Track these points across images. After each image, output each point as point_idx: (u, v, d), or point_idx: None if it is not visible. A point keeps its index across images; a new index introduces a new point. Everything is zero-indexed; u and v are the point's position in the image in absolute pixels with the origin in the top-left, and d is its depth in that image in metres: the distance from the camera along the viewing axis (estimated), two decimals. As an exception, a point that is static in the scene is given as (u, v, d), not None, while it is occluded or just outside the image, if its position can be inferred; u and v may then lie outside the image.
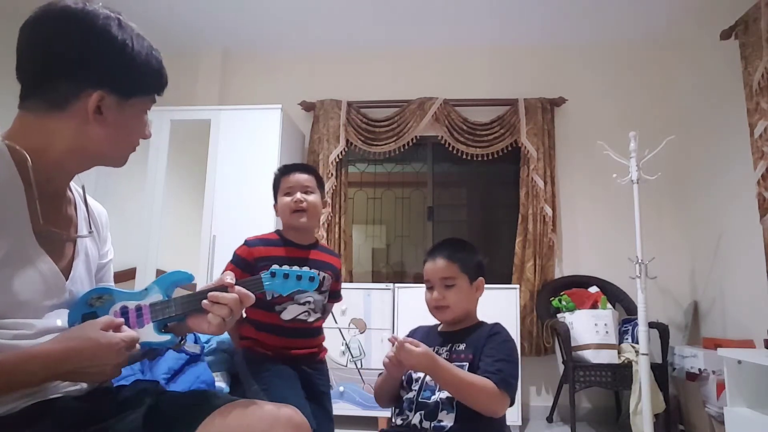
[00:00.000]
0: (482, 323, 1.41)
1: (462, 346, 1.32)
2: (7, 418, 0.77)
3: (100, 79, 0.84)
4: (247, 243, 1.62)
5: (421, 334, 1.46)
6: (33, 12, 0.83)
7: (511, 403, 1.23)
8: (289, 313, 1.58)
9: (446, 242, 1.45)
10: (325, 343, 1.61)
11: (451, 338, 1.37)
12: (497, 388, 1.18)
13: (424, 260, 1.43)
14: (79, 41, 0.83)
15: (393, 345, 1.24)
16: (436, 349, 1.34)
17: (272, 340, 1.57)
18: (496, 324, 1.38)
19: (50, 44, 0.82)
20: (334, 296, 1.79)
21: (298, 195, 1.64)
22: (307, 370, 1.62)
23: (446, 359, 1.29)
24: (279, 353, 1.57)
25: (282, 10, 3.45)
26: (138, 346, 0.87)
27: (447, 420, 1.23)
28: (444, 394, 1.25)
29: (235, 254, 1.61)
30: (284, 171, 1.72)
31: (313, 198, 1.67)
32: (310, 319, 1.63)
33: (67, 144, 0.84)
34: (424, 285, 1.44)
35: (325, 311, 1.73)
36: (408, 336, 1.47)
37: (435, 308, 1.38)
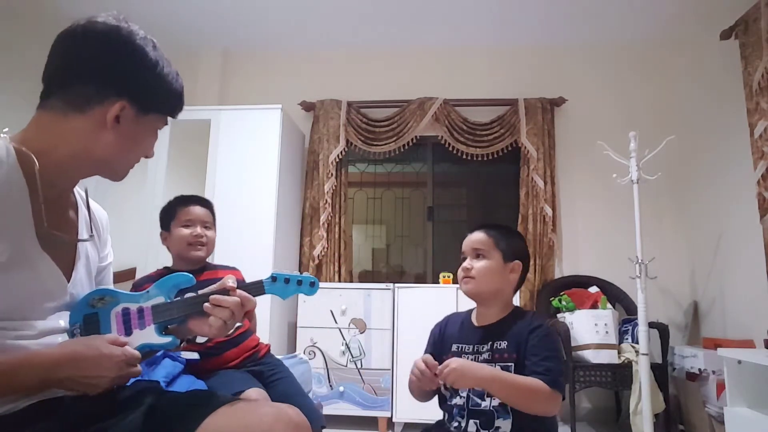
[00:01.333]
0: (519, 312, 1.34)
1: (503, 344, 1.25)
2: (8, 417, 0.77)
3: (127, 89, 0.87)
4: (134, 285, 1.59)
5: (453, 328, 1.39)
6: (74, 23, 0.86)
7: (563, 398, 1.19)
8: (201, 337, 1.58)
9: (491, 223, 1.41)
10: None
11: (490, 334, 1.29)
12: (549, 388, 1.15)
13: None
14: (114, 52, 0.86)
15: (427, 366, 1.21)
16: (475, 348, 1.29)
17: (203, 364, 1.56)
18: (535, 315, 1.32)
19: (87, 53, 0.85)
20: None
21: (198, 229, 1.64)
22: (254, 369, 1.60)
23: (488, 359, 1.25)
24: (218, 368, 1.57)
25: (282, 10, 3.45)
26: (139, 367, 0.87)
27: (504, 426, 1.19)
28: (496, 401, 1.20)
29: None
30: (183, 202, 1.69)
31: (211, 233, 1.68)
32: (230, 331, 1.63)
33: (75, 146, 0.85)
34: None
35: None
36: (441, 324, 1.42)
37: (462, 279, 1.33)
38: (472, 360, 1.26)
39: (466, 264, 1.32)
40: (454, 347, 1.32)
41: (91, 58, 0.85)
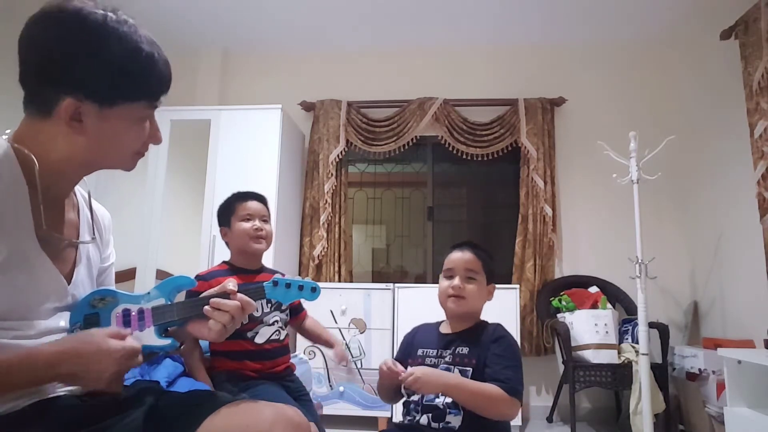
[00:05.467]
0: (483, 324, 1.41)
1: (465, 350, 1.33)
2: (9, 417, 0.77)
3: (73, 85, 0.79)
4: (203, 278, 1.57)
5: (422, 336, 1.48)
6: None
7: (521, 404, 1.26)
8: (262, 336, 1.61)
9: (471, 242, 1.49)
10: None
11: (453, 341, 1.37)
12: (508, 395, 1.21)
13: (450, 251, 1.45)
14: (56, 45, 0.79)
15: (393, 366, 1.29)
16: (438, 353, 1.37)
17: (252, 365, 1.57)
18: (498, 326, 1.39)
19: (33, 48, 0.80)
20: (298, 311, 1.81)
21: (257, 222, 1.67)
22: (288, 385, 1.64)
23: (450, 362, 1.32)
24: (261, 373, 1.58)
25: (282, 10, 3.45)
26: (140, 358, 0.86)
27: (454, 421, 1.26)
28: (448, 399, 1.27)
29: (192, 292, 1.42)
30: (241, 197, 1.72)
31: (269, 227, 1.72)
32: (281, 337, 1.67)
33: (61, 151, 0.83)
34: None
35: (296, 323, 1.77)
36: (408, 338, 1.52)
37: (451, 297, 1.38)
38: (434, 363, 1.34)
39: (457, 283, 1.37)
40: (419, 351, 1.41)
41: (37, 54, 0.79)
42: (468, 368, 1.29)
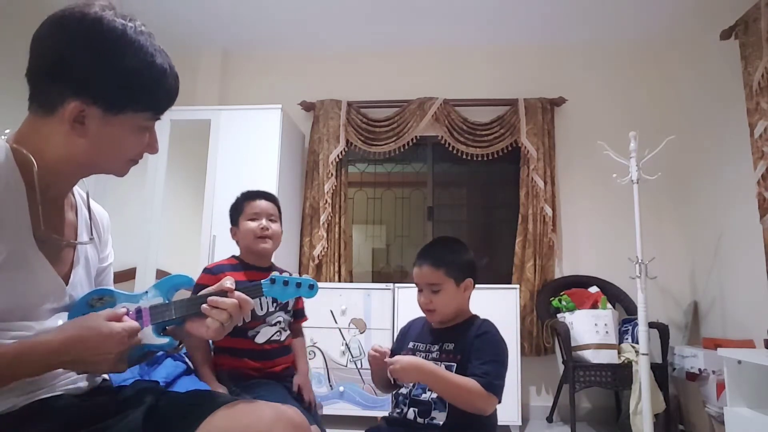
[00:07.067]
0: (473, 319, 1.44)
1: (451, 346, 1.36)
2: (8, 416, 0.77)
3: (83, 89, 0.80)
4: (210, 271, 1.61)
5: (415, 329, 1.52)
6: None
7: (499, 401, 1.28)
8: (263, 335, 1.61)
9: (434, 245, 1.49)
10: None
11: (441, 336, 1.41)
12: (484, 390, 1.23)
13: (414, 263, 1.46)
14: (72, 46, 0.79)
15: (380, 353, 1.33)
16: (427, 347, 1.41)
17: (252, 364, 1.58)
18: (485, 322, 1.41)
19: (49, 48, 0.81)
20: (300, 315, 1.81)
21: (264, 222, 1.68)
22: (289, 385, 1.64)
23: (436, 358, 1.36)
24: (262, 372, 1.59)
25: (282, 10, 3.45)
26: (140, 335, 0.87)
27: (439, 418, 1.29)
28: (434, 395, 1.31)
29: (197, 285, 1.46)
30: (250, 196, 1.73)
31: (276, 227, 1.72)
32: (282, 338, 1.67)
33: (57, 151, 0.83)
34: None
35: (292, 330, 1.76)
36: (403, 330, 1.56)
37: (425, 311, 1.44)
38: (423, 357, 1.38)
39: (424, 299, 1.40)
40: (410, 344, 1.46)
41: (50, 54, 0.80)
42: (453, 363, 1.32)
